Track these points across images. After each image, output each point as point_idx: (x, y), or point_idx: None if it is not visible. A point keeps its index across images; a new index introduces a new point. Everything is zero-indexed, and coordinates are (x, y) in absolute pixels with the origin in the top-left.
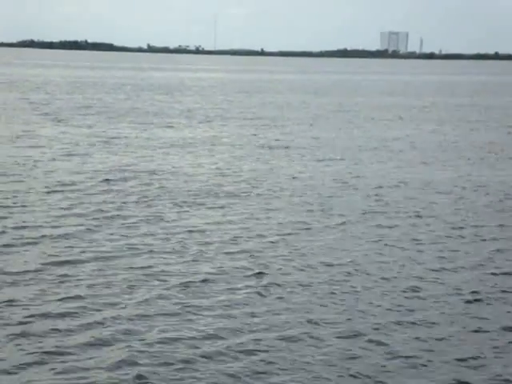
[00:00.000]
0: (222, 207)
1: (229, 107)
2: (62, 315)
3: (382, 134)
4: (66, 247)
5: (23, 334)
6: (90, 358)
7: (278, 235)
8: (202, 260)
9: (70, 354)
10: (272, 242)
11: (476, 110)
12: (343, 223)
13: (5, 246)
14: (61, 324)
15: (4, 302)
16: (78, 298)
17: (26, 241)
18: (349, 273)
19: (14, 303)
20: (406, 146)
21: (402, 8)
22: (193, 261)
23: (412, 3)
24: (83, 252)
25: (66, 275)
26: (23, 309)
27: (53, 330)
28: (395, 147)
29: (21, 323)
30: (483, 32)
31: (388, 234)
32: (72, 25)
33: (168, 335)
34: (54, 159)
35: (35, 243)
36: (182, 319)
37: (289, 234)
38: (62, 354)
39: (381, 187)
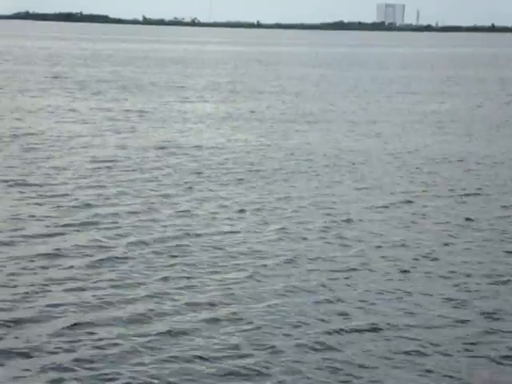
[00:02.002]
0: (283, 181)
1: (252, 80)
2: (141, 301)
3: (417, 108)
4: (118, 227)
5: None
6: (207, 338)
7: (343, 213)
8: (287, 238)
9: (182, 336)
10: (340, 220)
11: (496, 82)
12: (402, 201)
13: (60, 225)
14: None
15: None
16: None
17: (80, 220)
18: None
19: (84, 284)
20: (446, 119)
21: None
22: (277, 240)
23: None
24: (137, 232)
25: (125, 256)
26: (100, 291)
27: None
28: (434, 120)
29: (96, 306)
30: (480, 4)
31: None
32: None
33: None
34: (96, 135)
35: (89, 223)
36: (283, 302)
37: (355, 213)
38: (180, 335)
39: (434, 162)
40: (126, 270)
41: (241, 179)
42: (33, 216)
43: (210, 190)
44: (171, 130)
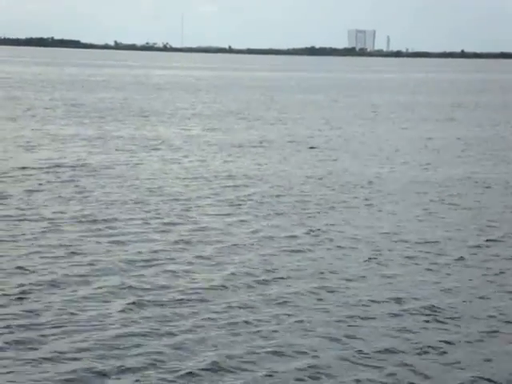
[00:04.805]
0: (332, 211)
1: (254, 106)
2: None
3: (433, 135)
4: (188, 262)
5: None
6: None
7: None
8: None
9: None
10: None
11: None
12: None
13: (126, 261)
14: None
15: None
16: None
17: (143, 256)
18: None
19: None
20: (469, 145)
21: (368, 6)
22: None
23: (379, 1)
24: (212, 269)
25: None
26: None
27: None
28: (459, 147)
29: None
30: (449, 30)
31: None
32: (37, 22)
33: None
34: (130, 163)
35: (153, 259)
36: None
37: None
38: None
39: (476, 189)
40: (209, 311)
41: (284, 210)
42: (98, 251)
43: (256, 222)
44: (199, 159)
